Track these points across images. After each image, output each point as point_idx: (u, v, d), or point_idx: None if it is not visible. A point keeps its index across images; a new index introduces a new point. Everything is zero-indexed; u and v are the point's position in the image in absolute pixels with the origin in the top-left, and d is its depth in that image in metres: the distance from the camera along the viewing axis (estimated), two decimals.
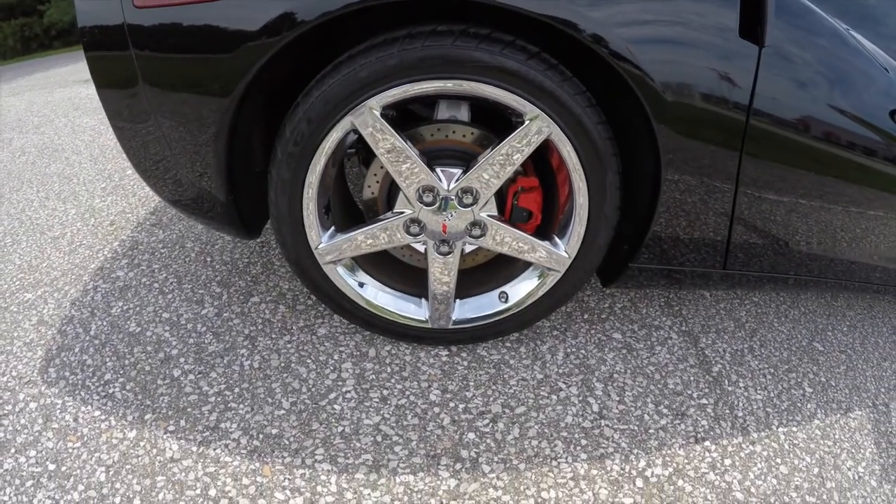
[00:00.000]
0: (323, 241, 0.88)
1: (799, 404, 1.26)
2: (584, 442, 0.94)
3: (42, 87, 3.89)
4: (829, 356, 1.50)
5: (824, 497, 1.03)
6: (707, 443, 1.05)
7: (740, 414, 1.16)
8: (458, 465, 0.85)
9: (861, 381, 1.44)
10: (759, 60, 0.82)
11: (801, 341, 1.52)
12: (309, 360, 1.02)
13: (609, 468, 0.91)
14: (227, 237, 1.45)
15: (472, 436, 0.90)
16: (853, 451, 1.18)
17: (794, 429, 1.19)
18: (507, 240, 0.89)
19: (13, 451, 0.94)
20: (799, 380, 1.34)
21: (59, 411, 1.01)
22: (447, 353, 1.06)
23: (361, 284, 0.95)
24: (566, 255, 0.90)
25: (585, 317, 1.23)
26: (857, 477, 1.12)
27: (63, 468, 0.91)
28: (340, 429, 0.89)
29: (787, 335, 1.52)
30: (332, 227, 0.90)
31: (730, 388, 1.21)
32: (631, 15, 0.74)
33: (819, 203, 1.09)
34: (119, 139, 0.91)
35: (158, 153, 0.88)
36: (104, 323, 1.18)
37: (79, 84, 3.69)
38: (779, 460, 1.08)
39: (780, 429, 1.17)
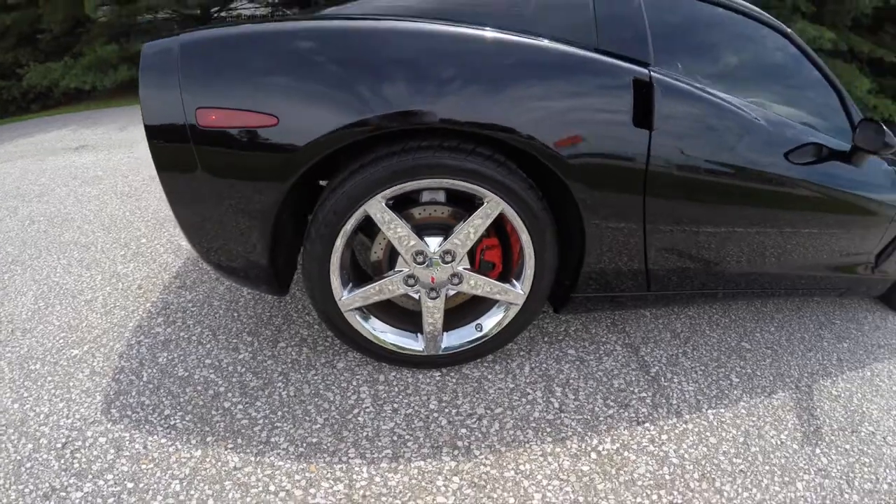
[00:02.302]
0: (344, 295, 1.23)
1: (727, 392, 1.62)
2: (548, 429, 1.28)
3: (32, 154, 4.11)
4: (756, 352, 1.88)
5: (749, 458, 1.37)
6: (647, 424, 1.40)
7: (675, 402, 1.51)
8: (456, 452, 1.18)
9: (786, 370, 1.81)
10: (650, 140, 1.22)
11: (731, 343, 1.90)
12: (333, 387, 1.35)
13: (569, 446, 1.25)
14: (252, 295, 1.77)
15: (464, 431, 1.23)
16: (776, 423, 1.54)
17: (722, 410, 1.55)
18: (479, 284, 1.26)
19: (91, 476, 1.19)
20: (727, 373, 1.71)
21: (128, 442, 1.27)
22: (439, 373, 1.40)
23: (374, 327, 1.30)
24: (522, 293, 1.27)
25: (545, 339, 1.59)
26: (779, 442, 1.48)
27: (141, 485, 1.17)
28: (365, 433, 1.21)
29: (718, 339, 1.90)
30: (350, 284, 1.25)
31: (665, 384, 1.57)
32: (552, 117, 1.13)
33: (722, 229, 1.49)
34: (175, 214, 1.21)
35: (212, 229, 1.21)
36: (154, 370, 1.47)
37: (70, 152, 3.95)
38: (708, 434, 1.43)
39: (710, 411, 1.52)
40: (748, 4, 1.67)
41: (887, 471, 1.43)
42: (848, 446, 1.51)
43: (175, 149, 1.12)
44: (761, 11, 1.70)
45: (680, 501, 1.19)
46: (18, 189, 3.22)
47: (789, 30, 1.73)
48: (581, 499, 1.14)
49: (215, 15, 6.91)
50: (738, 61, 1.83)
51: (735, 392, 1.64)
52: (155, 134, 1.11)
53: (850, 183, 1.73)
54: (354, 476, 1.12)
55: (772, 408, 1.61)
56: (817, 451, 1.48)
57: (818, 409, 1.67)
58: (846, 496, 1.32)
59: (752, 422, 1.52)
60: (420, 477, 1.12)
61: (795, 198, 1.59)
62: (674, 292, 1.67)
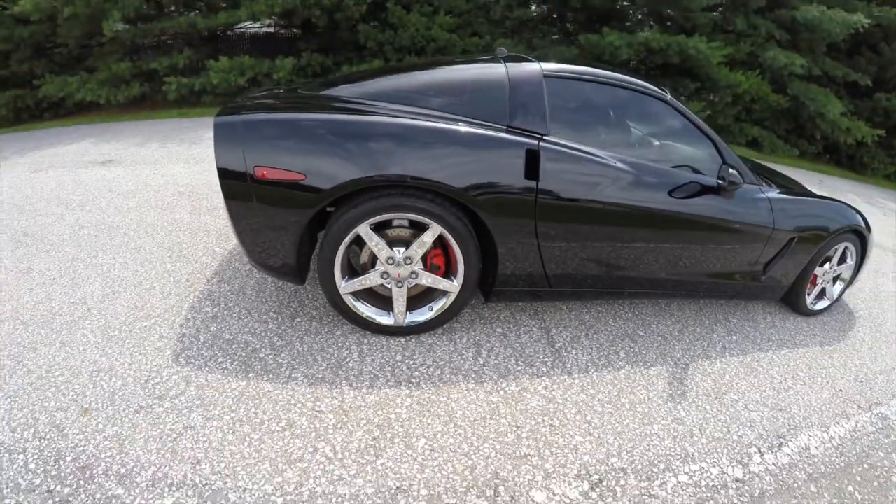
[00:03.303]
0: (343, 285, 2.02)
1: (613, 363, 2.37)
2: (473, 376, 2.06)
3: (61, 165, 4.80)
4: (648, 338, 2.63)
5: (618, 405, 2.11)
6: (544, 378, 2.17)
7: (569, 366, 2.28)
8: (412, 384, 1.97)
9: (670, 352, 2.55)
10: (537, 186, 2.01)
11: (628, 330, 2.66)
12: (333, 345, 2.13)
13: (486, 387, 2.03)
14: (275, 286, 2.54)
15: (416, 373, 2.02)
16: (648, 386, 2.28)
17: (605, 374, 2.30)
18: (429, 279, 2.05)
19: (169, 398, 1.91)
20: (617, 350, 2.47)
21: (194, 377, 2.02)
22: (404, 339, 2.19)
23: (362, 307, 2.09)
24: (457, 286, 2.07)
25: (481, 321, 2.39)
26: (647, 398, 2.22)
27: (206, 401, 1.91)
28: (353, 373, 1.99)
29: (617, 328, 2.66)
30: (346, 277, 2.04)
31: (565, 354, 2.34)
32: (473, 175, 1.92)
33: (612, 244, 2.24)
34: (234, 227, 1.98)
35: (264, 244, 1.99)
36: (208, 335, 2.24)
37: (98, 166, 4.69)
38: (589, 387, 2.19)
39: (595, 373, 2.28)
40: (632, 80, 2.42)
41: (741, 427, 2.13)
42: (708, 407, 2.23)
43: (238, 185, 1.90)
44: (644, 84, 2.44)
45: (557, 424, 1.96)
46: (59, 198, 3.86)
47: (668, 96, 2.48)
48: (488, 416, 1.92)
49: (219, 34, 7.72)
50: (630, 125, 2.62)
51: (620, 363, 2.39)
52: (224, 175, 1.90)
53: (726, 210, 2.47)
54: (345, 396, 1.90)
55: (648, 376, 2.36)
56: (679, 407, 2.22)
57: (689, 380, 2.41)
58: (667, 441, 1.98)
59: (628, 383, 2.27)
60: (386, 398, 1.91)
61: (679, 222, 2.35)
62: (583, 290, 2.43)
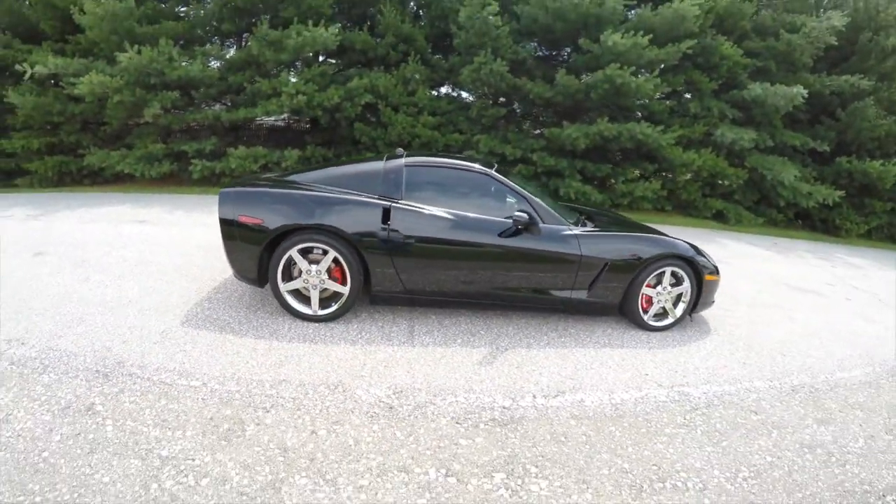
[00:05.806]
0: (282, 286, 4.11)
1: (449, 345, 4.22)
2: (350, 343, 4.04)
3: (106, 221, 7.19)
4: (486, 335, 4.48)
5: (437, 364, 3.96)
6: (395, 347, 4.08)
7: (415, 343, 4.18)
8: (312, 342, 3.97)
9: (498, 343, 4.37)
10: (388, 228, 4.08)
11: (473, 330, 4.55)
12: (273, 324, 4.18)
13: (356, 347, 3.99)
14: (251, 296, 4.64)
15: (317, 338, 4.03)
16: (466, 356, 4.09)
17: (439, 349, 4.13)
18: (331, 284, 4.11)
19: (174, 339, 3.93)
20: (455, 339, 4.34)
21: (190, 332, 4.03)
22: (317, 324, 4.22)
23: (294, 302, 4.16)
24: (348, 290, 4.13)
25: (370, 319, 4.40)
26: (461, 362, 4.00)
27: (195, 341, 3.92)
28: (281, 336, 4.01)
29: (466, 328, 4.57)
30: (284, 281, 4.10)
31: (416, 338, 4.27)
32: (355, 223, 4.01)
33: (449, 270, 4.25)
34: (227, 256, 4.12)
35: (241, 261, 4.11)
36: (202, 316, 4.28)
37: (136, 223, 7.06)
38: (423, 354, 4.05)
39: (431, 349, 4.14)
40: (462, 162, 4.55)
41: (526, 384, 3.77)
42: (507, 371, 3.91)
43: (230, 228, 4.09)
44: (470, 165, 4.54)
45: (389, 366, 3.83)
46: (106, 241, 6.18)
47: (491, 171, 4.53)
48: (349, 358, 3.84)
49: (240, 125, 10.41)
50: (463, 193, 4.61)
51: (455, 346, 4.22)
52: (224, 222, 4.09)
53: (537, 244, 4.26)
54: (272, 345, 3.90)
55: (470, 353, 4.14)
56: (482, 368, 3.93)
57: (501, 357, 4.15)
58: (454, 382, 3.81)
59: (452, 354, 4.07)
60: (295, 346, 3.90)
61: (505, 253, 4.23)
62: (435, 297, 4.38)
